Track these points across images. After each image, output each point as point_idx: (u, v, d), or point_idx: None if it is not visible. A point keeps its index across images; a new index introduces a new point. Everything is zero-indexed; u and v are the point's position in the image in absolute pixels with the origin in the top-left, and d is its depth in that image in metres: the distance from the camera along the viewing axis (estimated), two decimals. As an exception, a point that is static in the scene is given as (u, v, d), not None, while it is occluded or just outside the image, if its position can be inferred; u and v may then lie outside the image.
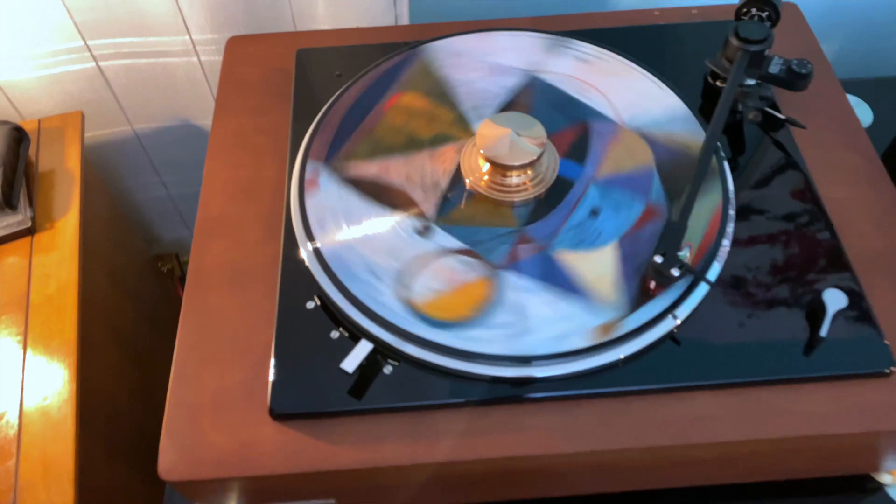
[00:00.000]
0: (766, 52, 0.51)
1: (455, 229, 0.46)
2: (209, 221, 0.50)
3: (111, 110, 0.83)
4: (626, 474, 0.45)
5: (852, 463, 0.46)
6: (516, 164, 0.45)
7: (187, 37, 0.76)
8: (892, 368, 0.42)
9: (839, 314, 0.43)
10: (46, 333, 0.59)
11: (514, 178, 0.47)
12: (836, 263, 0.45)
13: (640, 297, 0.43)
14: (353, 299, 0.43)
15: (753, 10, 0.53)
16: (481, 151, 0.46)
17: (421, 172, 0.48)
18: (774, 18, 0.53)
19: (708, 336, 0.43)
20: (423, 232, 0.45)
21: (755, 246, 0.47)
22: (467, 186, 0.48)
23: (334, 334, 0.44)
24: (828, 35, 0.79)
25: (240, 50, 0.60)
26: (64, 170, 0.70)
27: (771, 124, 0.53)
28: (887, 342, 0.43)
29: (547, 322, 0.42)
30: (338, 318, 0.44)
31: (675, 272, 0.42)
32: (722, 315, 0.44)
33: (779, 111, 0.52)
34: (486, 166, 0.47)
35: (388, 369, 0.43)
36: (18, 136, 0.67)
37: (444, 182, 0.48)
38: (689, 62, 0.56)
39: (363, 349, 0.41)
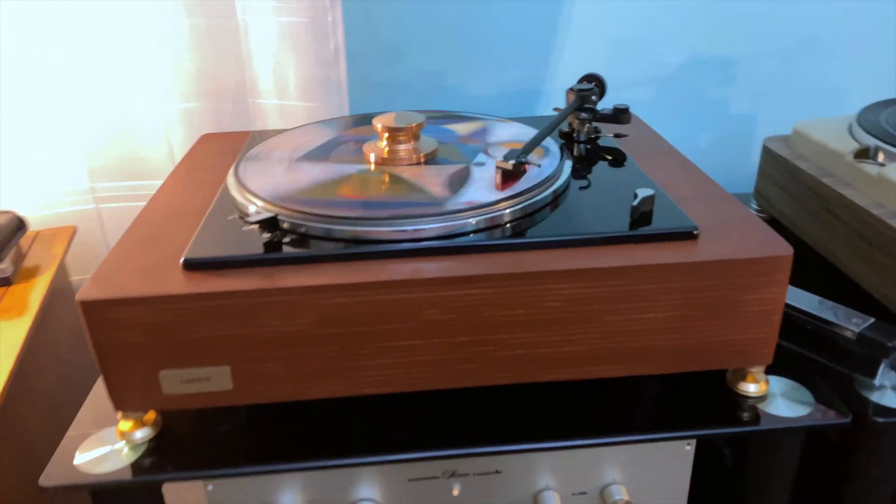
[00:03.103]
0: (595, 101, 0.71)
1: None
2: (160, 201, 0.63)
3: (99, 255, 0.97)
4: (507, 320, 0.50)
5: (703, 332, 0.52)
6: (403, 125, 0.61)
7: (174, 180, 0.95)
8: (696, 231, 0.52)
9: (654, 206, 0.54)
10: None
11: (402, 146, 0.62)
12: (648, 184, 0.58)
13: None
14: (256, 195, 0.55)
15: (585, 83, 0.73)
16: (377, 125, 0.62)
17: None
18: (601, 88, 0.73)
19: (561, 215, 0.55)
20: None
21: (593, 180, 0.60)
22: (372, 161, 0.63)
23: (245, 228, 0.54)
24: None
25: (208, 139, 0.79)
26: (48, 255, 0.83)
27: (606, 151, 0.69)
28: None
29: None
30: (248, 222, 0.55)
31: (511, 163, 0.55)
32: (570, 206, 0.56)
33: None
34: (384, 141, 0.62)
35: (286, 239, 0.52)
36: (19, 223, 0.82)
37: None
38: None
39: (265, 213, 0.52)
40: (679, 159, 0.68)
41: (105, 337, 0.48)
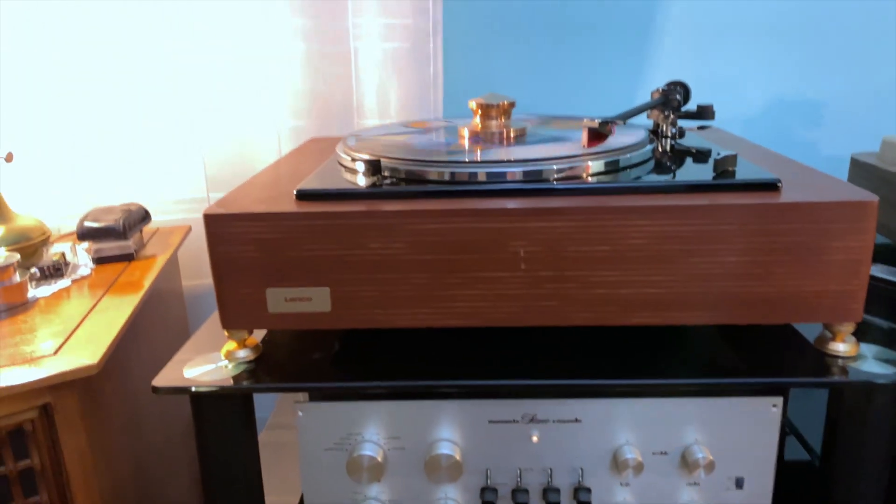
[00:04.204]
0: (679, 102, 0.74)
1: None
2: (271, 170, 0.70)
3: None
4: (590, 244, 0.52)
5: (786, 281, 0.52)
6: (495, 102, 0.66)
7: (280, 193, 1.03)
8: (779, 183, 0.54)
9: (735, 163, 0.57)
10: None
11: (494, 121, 0.66)
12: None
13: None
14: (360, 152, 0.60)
15: (671, 87, 0.77)
16: (472, 104, 0.67)
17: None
18: (686, 92, 0.77)
19: (644, 174, 0.57)
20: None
21: (676, 159, 0.63)
22: (465, 136, 0.68)
23: (349, 177, 0.59)
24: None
25: (315, 140, 0.87)
26: (165, 243, 0.91)
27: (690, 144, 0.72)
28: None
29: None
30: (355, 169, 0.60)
31: (598, 121, 0.58)
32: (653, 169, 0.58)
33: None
34: (477, 118, 0.68)
35: (387, 182, 0.57)
36: (145, 213, 0.91)
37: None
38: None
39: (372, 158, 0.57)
40: (762, 150, 0.70)
41: (223, 250, 0.53)
